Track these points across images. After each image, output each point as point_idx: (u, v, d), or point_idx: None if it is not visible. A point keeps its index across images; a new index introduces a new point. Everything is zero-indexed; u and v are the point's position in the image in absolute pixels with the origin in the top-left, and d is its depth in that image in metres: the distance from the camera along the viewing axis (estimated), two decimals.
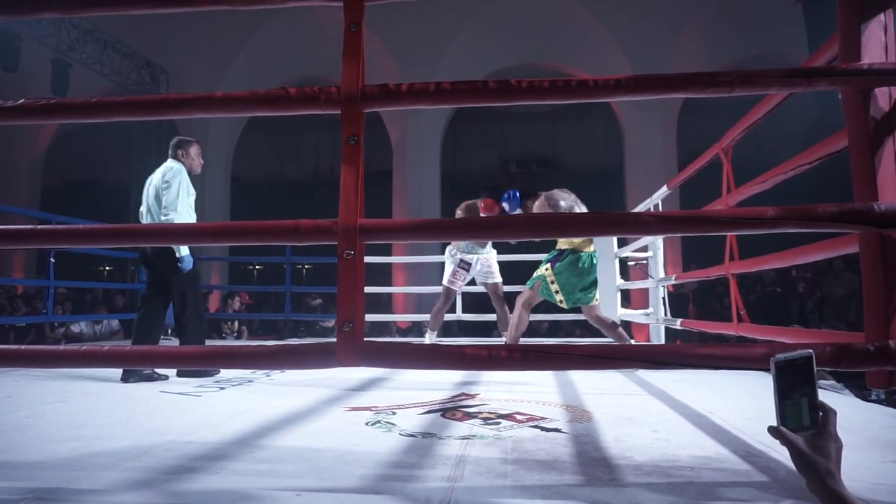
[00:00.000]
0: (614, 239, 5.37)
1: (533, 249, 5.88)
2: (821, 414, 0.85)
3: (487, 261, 4.58)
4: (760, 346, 1.38)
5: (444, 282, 4.61)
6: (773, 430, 0.86)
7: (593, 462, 1.66)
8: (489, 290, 4.63)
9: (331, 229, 1.38)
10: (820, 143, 1.87)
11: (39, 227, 1.58)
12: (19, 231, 1.57)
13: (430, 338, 4.71)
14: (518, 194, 3.97)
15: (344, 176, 1.41)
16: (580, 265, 3.67)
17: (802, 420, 0.84)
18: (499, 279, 4.61)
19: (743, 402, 2.63)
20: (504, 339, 4.25)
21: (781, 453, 1.70)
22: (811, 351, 0.86)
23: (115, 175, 13.94)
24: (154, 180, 3.63)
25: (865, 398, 2.75)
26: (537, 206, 3.80)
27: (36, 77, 11.37)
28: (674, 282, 4.68)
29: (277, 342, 5.39)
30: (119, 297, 9.14)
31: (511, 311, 4.03)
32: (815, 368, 0.85)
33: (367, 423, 2.16)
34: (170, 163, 3.64)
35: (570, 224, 1.46)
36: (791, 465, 1.59)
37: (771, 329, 2.52)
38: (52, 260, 5.11)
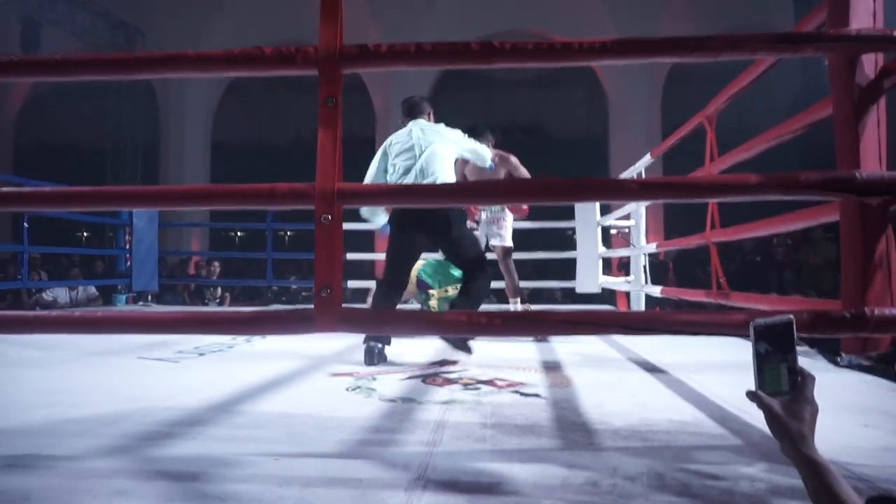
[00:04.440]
0: (597, 207, 5.38)
1: (557, 216, 5.84)
2: (799, 378, 0.85)
3: (500, 221, 4.16)
4: (739, 313, 1.39)
5: None
6: (750, 395, 0.86)
7: (572, 427, 1.68)
8: (497, 253, 4.20)
9: (308, 193, 1.34)
10: (804, 112, 1.86)
11: (5, 189, 1.52)
12: None
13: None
14: None
15: (321, 139, 1.37)
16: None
17: (781, 385, 0.84)
18: (508, 243, 4.17)
19: (720, 368, 2.67)
20: (512, 306, 4.16)
21: (756, 417, 1.73)
22: (791, 316, 0.85)
23: (91, 139, 13.57)
24: (431, 139, 3.03)
25: (836, 364, 2.81)
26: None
27: (4, 37, 10.96)
28: (654, 250, 4.70)
29: (257, 308, 5.35)
30: (98, 262, 8.99)
31: (517, 278, 4.05)
32: (796, 334, 0.85)
33: (347, 389, 2.16)
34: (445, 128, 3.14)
35: (555, 190, 1.44)
36: (765, 429, 1.63)
37: (749, 296, 2.55)
38: (25, 225, 4.99)
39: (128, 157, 12.43)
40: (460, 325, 1.39)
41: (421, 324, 1.43)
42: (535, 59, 1.42)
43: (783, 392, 0.84)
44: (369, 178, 3.13)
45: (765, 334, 0.85)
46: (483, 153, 3.26)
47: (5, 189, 1.54)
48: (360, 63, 1.41)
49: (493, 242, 4.20)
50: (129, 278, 6.37)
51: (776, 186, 1.35)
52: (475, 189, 1.68)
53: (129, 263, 6.42)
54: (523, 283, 6.64)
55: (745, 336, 0.96)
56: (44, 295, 6.88)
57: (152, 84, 12.80)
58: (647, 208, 5.04)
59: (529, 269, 8.47)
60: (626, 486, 1.21)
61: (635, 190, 1.52)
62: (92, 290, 7.07)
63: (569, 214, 5.53)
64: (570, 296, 7.90)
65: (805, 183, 1.33)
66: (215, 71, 1.46)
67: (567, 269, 5.73)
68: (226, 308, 7.82)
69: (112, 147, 12.39)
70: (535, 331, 1.39)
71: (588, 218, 5.34)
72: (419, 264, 3.89)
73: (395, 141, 3.07)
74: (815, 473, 0.79)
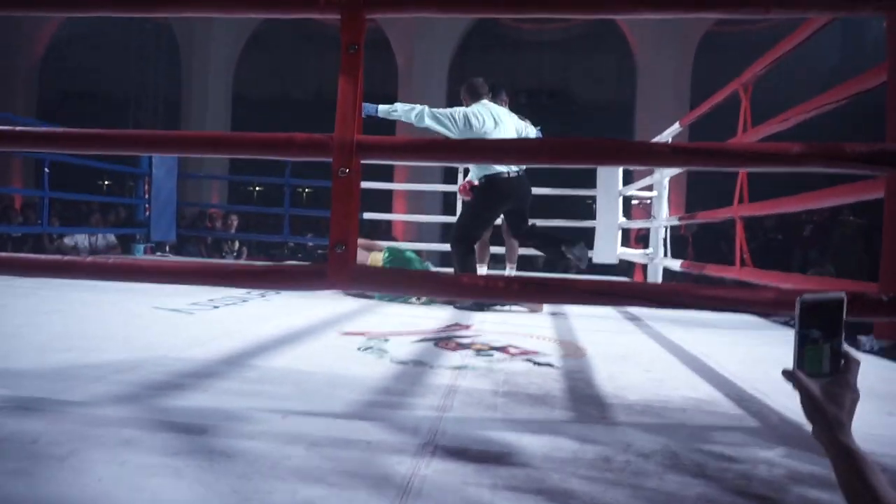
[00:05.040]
0: (619, 175, 5.26)
1: (578, 184, 5.74)
2: (843, 362, 0.79)
3: None
4: (770, 291, 1.33)
5: None
6: (787, 374, 0.80)
7: (585, 399, 1.64)
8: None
9: (326, 144, 1.29)
10: (852, 80, 1.76)
11: (19, 128, 1.49)
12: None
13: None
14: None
15: (342, 88, 1.31)
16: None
17: (822, 367, 0.79)
18: None
19: (739, 347, 2.61)
20: (509, 271, 4.17)
21: (775, 400, 1.69)
22: (843, 294, 0.79)
23: (113, 89, 13.54)
24: (518, 128, 3.62)
25: (858, 349, 2.75)
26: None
27: None
28: (677, 222, 4.60)
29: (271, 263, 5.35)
30: (120, 208, 9.04)
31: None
32: (846, 314, 0.79)
33: (359, 349, 2.15)
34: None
35: (583, 151, 1.37)
36: (784, 412, 1.58)
37: (776, 275, 2.48)
38: (46, 170, 5.01)
39: (149, 108, 12.43)
40: (477, 287, 1.34)
41: (437, 286, 1.39)
42: (566, 8, 1.33)
43: (823, 374, 0.79)
44: (436, 119, 3.46)
45: (811, 311, 0.79)
46: (531, 133, 3.70)
47: (28, 128, 1.51)
48: (384, 8, 1.35)
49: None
50: (148, 228, 6.40)
51: (819, 157, 1.27)
52: (497, 147, 1.62)
53: (147, 213, 6.45)
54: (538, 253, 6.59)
55: (774, 316, 0.91)
56: (65, 240, 6.96)
57: (175, 35, 12.68)
58: (670, 180, 4.91)
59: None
60: (639, 464, 1.18)
61: (667, 154, 1.45)
62: (111, 237, 7.14)
63: (590, 182, 5.42)
64: (587, 266, 7.83)
65: (851, 154, 1.25)
66: (235, 11, 1.40)
67: (584, 238, 5.65)
68: (242, 262, 7.86)
69: (134, 98, 12.38)
70: (554, 298, 1.34)
71: (610, 186, 5.23)
72: (379, 257, 3.86)
73: (484, 119, 3.42)
74: (849, 462, 0.74)
